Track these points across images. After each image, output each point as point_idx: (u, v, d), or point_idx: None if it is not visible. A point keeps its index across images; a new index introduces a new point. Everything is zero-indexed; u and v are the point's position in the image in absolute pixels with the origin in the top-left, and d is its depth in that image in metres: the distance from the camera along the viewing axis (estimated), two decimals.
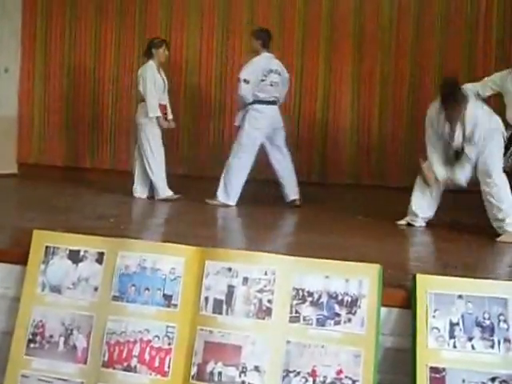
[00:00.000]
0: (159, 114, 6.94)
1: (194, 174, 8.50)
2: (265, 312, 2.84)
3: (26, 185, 8.07)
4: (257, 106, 6.76)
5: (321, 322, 2.79)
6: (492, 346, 2.62)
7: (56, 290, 3.15)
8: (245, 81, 6.69)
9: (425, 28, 8.19)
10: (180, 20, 8.91)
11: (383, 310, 2.80)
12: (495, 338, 2.63)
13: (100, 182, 7.76)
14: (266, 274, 2.89)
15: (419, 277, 2.78)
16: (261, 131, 6.75)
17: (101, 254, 3.12)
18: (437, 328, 2.68)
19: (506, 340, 2.62)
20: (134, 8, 9.01)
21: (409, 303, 2.79)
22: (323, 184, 8.26)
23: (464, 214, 5.99)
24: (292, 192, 6.85)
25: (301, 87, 8.57)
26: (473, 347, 2.63)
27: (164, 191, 6.90)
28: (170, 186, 6.93)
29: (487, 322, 2.65)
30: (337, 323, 2.77)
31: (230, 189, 6.69)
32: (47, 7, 9.34)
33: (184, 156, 8.62)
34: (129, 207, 6.48)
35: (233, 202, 6.66)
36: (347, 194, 7.78)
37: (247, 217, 6.25)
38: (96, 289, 3.09)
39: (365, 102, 8.58)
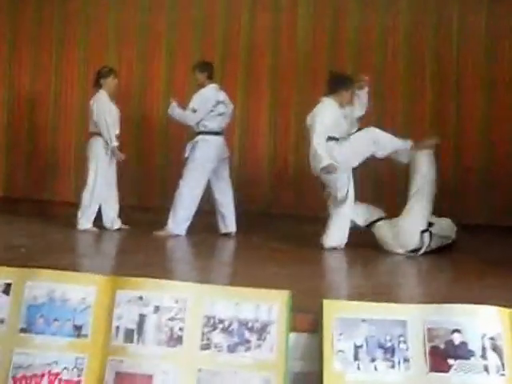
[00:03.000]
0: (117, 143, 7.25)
1: (142, 204, 8.76)
2: (176, 340, 3.03)
3: None
4: (206, 136, 7.16)
5: (231, 349, 3.00)
6: (393, 366, 2.91)
7: None
8: (193, 110, 7.06)
9: None
10: (130, 46, 9.22)
11: (292, 335, 3.06)
12: (396, 359, 2.91)
13: (40, 213, 7.85)
14: (176, 301, 3.09)
15: (326, 302, 3.06)
16: (210, 161, 7.11)
17: (8, 285, 3.22)
18: (342, 351, 2.94)
19: (406, 360, 2.90)
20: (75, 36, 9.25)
21: (317, 328, 3.09)
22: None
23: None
24: (231, 224, 7.21)
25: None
26: (375, 368, 2.90)
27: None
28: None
29: (389, 344, 2.93)
30: (247, 349, 2.99)
31: (180, 219, 7.00)
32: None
33: (132, 187, 8.84)
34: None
35: (182, 232, 6.97)
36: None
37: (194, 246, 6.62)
38: (2, 321, 3.17)
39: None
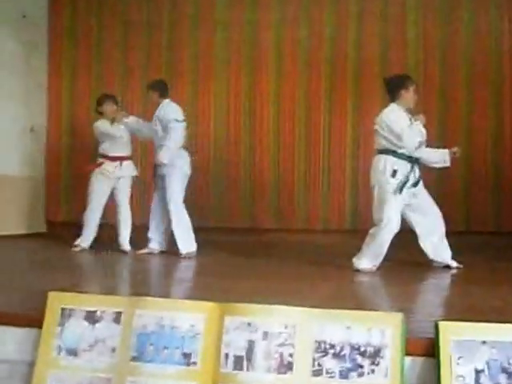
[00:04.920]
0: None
1: None
2: (286, 366, 3.05)
3: (51, 244, 8.49)
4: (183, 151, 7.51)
5: (344, 375, 2.99)
6: None
7: (72, 352, 3.34)
8: (179, 121, 7.41)
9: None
10: (206, 76, 9.54)
11: (407, 359, 3.02)
12: None
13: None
14: (286, 327, 3.11)
15: (441, 324, 3.00)
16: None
17: (118, 314, 3.34)
18: (462, 376, 2.88)
19: None
20: (161, 64, 9.62)
21: (433, 351, 3.01)
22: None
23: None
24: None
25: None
26: None
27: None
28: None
29: None
30: (360, 375, 2.98)
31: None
32: (73, 64, 9.95)
33: None
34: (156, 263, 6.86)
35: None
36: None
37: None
38: (114, 350, 3.29)
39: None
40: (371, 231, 6.22)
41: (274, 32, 9.73)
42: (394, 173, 6.13)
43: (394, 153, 6.19)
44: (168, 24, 10.00)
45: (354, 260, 6.21)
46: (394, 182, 6.13)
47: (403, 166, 6.18)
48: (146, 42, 10.00)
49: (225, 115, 9.82)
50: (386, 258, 6.21)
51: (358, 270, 6.06)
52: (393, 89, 6.41)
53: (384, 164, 6.21)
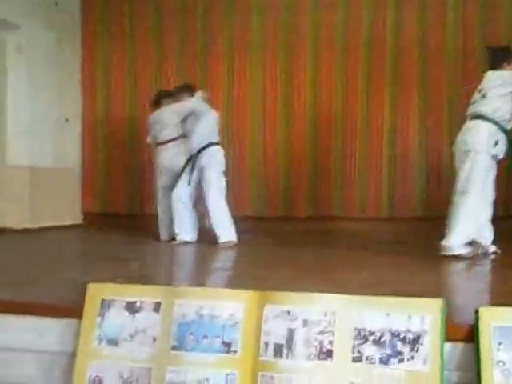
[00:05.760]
0: None
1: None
2: (326, 354, 3.09)
3: (88, 235, 8.64)
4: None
5: (384, 361, 3.03)
6: None
7: (113, 342, 3.42)
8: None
9: None
10: (242, 62, 9.56)
11: (447, 345, 3.05)
12: None
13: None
14: (325, 315, 3.16)
15: (482, 309, 3.03)
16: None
17: (157, 304, 3.41)
18: (502, 361, 2.90)
19: None
20: (195, 51, 9.67)
21: (473, 337, 3.03)
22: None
23: None
24: None
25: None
26: None
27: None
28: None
29: None
30: (400, 361, 3.01)
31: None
32: (107, 55, 10.05)
33: None
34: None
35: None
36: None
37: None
38: (154, 339, 3.36)
39: (433, 135, 9.03)
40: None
41: (311, 16, 9.72)
42: (496, 143, 6.08)
43: (496, 122, 6.11)
44: (202, 9, 10.03)
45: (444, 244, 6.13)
46: (495, 153, 6.09)
47: (503, 139, 6.13)
48: (180, 27, 10.05)
49: (260, 101, 9.86)
50: (424, 244, 6.25)
51: (454, 256, 5.99)
52: (496, 59, 6.32)
53: (488, 131, 6.10)
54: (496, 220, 6.17)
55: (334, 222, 9.20)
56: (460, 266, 5.62)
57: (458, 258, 5.85)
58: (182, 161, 7.56)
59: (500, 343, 2.96)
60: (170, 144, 7.80)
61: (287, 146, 9.79)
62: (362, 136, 9.56)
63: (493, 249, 6.19)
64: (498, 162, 6.16)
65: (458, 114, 9.02)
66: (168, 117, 7.76)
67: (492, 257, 6.07)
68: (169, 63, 10.01)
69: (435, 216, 8.89)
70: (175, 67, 9.93)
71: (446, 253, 5.96)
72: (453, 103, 9.16)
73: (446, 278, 4.94)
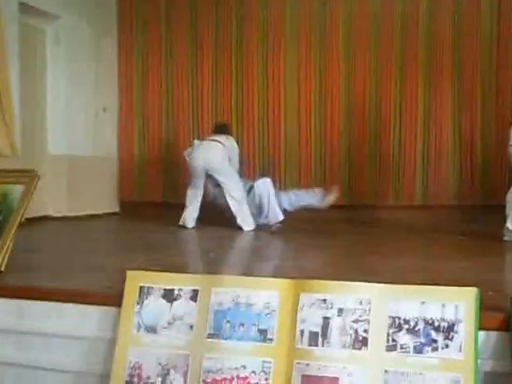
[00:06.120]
0: None
1: None
2: (361, 342, 3.13)
3: (126, 224, 8.75)
4: None
5: (418, 350, 3.06)
6: None
7: (151, 330, 3.49)
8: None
9: None
10: (276, 52, 9.59)
11: (481, 333, 3.07)
12: None
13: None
14: (360, 303, 3.19)
15: None
16: None
17: (195, 292, 3.47)
18: None
19: None
20: (230, 42, 9.72)
21: (508, 326, 3.07)
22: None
23: None
24: None
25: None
26: None
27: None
28: None
29: None
30: (434, 350, 3.04)
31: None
32: (143, 46, 10.16)
33: None
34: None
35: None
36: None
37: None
38: (191, 327, 3.42)
39: (466, 121, 8.99)
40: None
41: (344, 5, 9.71)
42: None
43: None
44: (237, 0, 10.06)
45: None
46: None
47: None
48: (215, 19, 10.09)
49: (295, 92, 9.87)
50: (461, 232, 6.23)
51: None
52: None
53: None
54: None
55: (369, 210, 9.19)
56: (496, 254, 5.60)
57: (492, 247, 5.87)
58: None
59: None
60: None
61: (321, 136, 9.80)
62: (395, 125, 9.53)
63: None
64: None
65: (491, 101, 9.05)
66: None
67: None
68: (204, 55, 10.05)
69: (469, 205, 8.91)
70: (210, 59, 9.98)
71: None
72: (485, 91, 9.11)
73: (481, 266, 4.92)
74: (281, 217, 7.57)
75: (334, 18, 9.73)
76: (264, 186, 7.66)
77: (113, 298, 3.66)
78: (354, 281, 3.30)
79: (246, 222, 7.57)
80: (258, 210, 7.70)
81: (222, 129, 8.23)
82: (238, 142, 8.11)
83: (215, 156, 7.68)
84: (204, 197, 7.87)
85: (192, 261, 5.69)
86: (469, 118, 9.25)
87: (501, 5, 9.26)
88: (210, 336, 3.39)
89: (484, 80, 9.18)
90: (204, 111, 10.05)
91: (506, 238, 6.09)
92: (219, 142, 7.80)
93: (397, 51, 9.52)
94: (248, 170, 8.92)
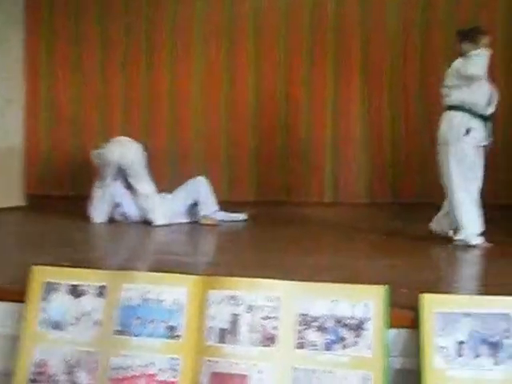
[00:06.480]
0: None
1: None
2: (270, 339, 3.11)
3: (31, 218, 8.42)
4: None
5: (327, 347, 3.06)
6: (498, 363, 2.90)
7: (57, 326, 3.41)
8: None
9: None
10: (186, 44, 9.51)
11: (392, 331, 3.09)
12: (501, 355, 2.90)
13: None
14: (270, 300, 3.17)
15: (424, 296, 3.08)
16: None
17: (103, 288, 3.39)
18: (444, 347, 2.95)
19: None
20: (139, 33, 9.59)
21: (417, 323, 3.07)
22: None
23: None
24: None
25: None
26: (480, 365, 2.91)
27: None
28: None
29: (493, 339, 2.93)
30: (344, 347, 3.04)
31: None
32: (50, 35, 9.88)
33: None
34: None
35: None
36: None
37: None
38: (99, 323, 3.35)
39: (375, 116, 9.12)
40: None
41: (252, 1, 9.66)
42: (467, 131, 5.88)
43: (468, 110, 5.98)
44: None
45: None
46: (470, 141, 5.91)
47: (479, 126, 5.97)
48: (124, 11, 9.90)
49: (204, 89, 9.77)
50: (382, 231, 6.37)
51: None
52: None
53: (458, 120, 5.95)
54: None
55: (280, 206, 9.18)
56: (410, 252, 5.64)
57: (409, 245, 5.95)
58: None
59: (442, 329, 3.01)
60: None
61: (230, 132, 9.71)
62: (304, 120, 9.51)
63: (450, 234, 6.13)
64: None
65: (399, 96, 9.17)
66: None
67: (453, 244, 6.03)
68: (115, 47, 9.86)
69: (380, 203, 9.02)
70: (120, 52, 9.79)
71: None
72: (394, 85, 9.21)
73: (394, 264, 4.97)
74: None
75: (242, 14, 9.66)
76: (200, 183, 7.65)
77: (16, 294, 3.55)
78: (265, 278, 3.27)
79: (156, 215, 7.47)
80: (189, 207, 7.65)
81: None
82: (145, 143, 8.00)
83: (129, 152, 7.59)
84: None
85: (101, 256, 5.56)
86: (377, 113, 9.33)
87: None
88: (119, 333, 3.34)
89: (392, 74, 9.27)
90: (114, 103, 9.87)
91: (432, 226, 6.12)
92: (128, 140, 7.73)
93: (306, 46, 9.42)
94: (158, 168, 8.80)
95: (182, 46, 9.63)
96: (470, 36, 6.04)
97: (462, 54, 6.01)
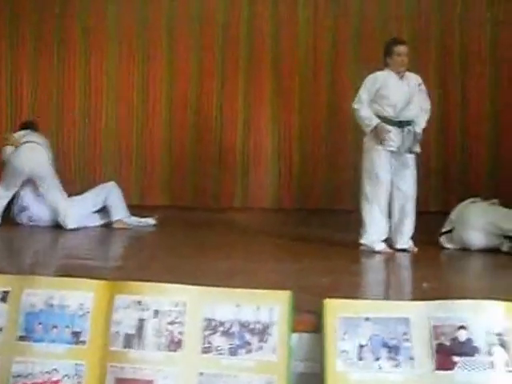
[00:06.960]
0: None
1: None
2: (176, 344, 3.12)
3: None
4: None
5: (233, 352, 3.09)
6: (398, 365, 2.99)
7: None
8: None
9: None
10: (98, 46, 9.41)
11: (295, 335, 3.14)
12: (400, 357, 3.00)
13: None
14: (176, 305, 3.18)
15: (327, 301, 3.15)
16: None
17: (5, 293, 3.32)
18: (345, 351, 3.02)
19: (410, 358, 2.99)
20: (51, 35, 9.45)
21: (320, 328, 3.14)
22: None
23: None
24: None
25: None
26: (380, 367, 2.99)
27: None
28: None
29: (393, 342, 3.02)
30: (248, 351, 3.08)
31: None
32: None
33: None
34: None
35: None
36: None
37: None
38: (1, 329, 3.27)
39: (285, 126, 9.24)
40: None
41: (167, 8, 9.64)
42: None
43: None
44: None
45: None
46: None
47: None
48: (37, 13, 9.75)
49: (117, 92, 9.70)
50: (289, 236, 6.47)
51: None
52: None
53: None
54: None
55: (191, 211, 9.17)
56: (315, 258, 5.71)
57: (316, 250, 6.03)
58: None
59: (344, 333, 3.08)
60: None
61: (143, 136, 9.67)
62: (217, 127, 9.57)
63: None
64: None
65: (308, 107, 9.32)
66: None
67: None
68: (25, 48, 9.69)
69: (287, 209, 9.13)
70: (31, 52, 9.63)
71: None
72: (304, 100, 9.36)
73: (299, 269, 5.04)
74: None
75: (156, 20, 9.63)
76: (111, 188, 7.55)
77: None
78: (174, 283, 3.27)
79: (67, 220, 7.34)
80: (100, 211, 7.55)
81: (31, 126, 7.96)
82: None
83: (39, 159, 7.44)
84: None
85: (4, 261, 5.44)
86: (287, 125, 9.45)
87: (316, 16, 9.50)
88: (21, 339, 3.27)
89: (302, 86, 9.41)
90: (23, 104, 9.69)
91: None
92: (37, 143, 7.57)
93: (219, 55, 9.54)
94: (69, 172, 8.70)
95: (95, 48, 9.55)
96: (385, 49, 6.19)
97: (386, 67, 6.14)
